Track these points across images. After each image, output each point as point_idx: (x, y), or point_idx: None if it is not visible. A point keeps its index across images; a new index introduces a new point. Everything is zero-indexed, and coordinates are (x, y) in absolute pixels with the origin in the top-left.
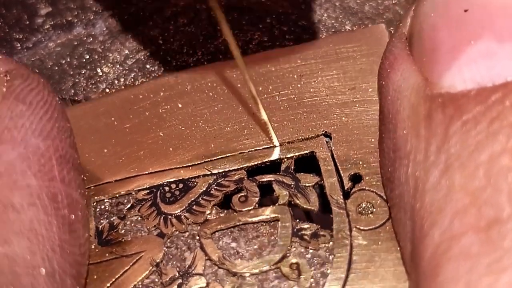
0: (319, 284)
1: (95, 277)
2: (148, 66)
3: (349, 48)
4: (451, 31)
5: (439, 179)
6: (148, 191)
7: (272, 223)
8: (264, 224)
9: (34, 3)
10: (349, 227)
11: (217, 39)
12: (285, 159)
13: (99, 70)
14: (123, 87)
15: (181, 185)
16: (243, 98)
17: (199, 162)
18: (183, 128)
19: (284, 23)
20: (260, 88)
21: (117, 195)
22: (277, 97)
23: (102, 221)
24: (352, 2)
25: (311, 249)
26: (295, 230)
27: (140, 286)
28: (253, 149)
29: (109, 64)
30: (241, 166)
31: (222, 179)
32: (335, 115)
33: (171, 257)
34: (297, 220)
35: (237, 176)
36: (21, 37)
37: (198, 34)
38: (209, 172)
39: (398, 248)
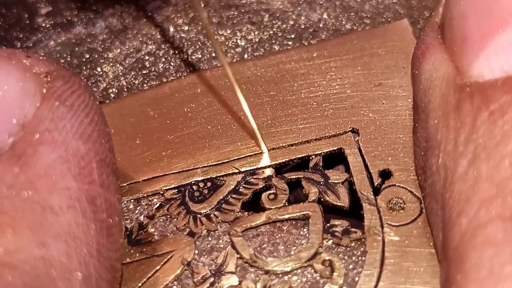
0: (353, 280)
1: (126, 277)
2: (148, 65)
3: (374, 45)
4: (479, 19)
5: (467, 170)
6: (176, 190)
7: (303, 220)
8: (294, 221)
9: (34, 3)
10: (381, 223)
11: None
12: (313, 156)
13: (99, 69)
14: (147, 87)
15: (209, 184)
16: (267, 96)
17: (226, 160)
18: (209, 127)
19: (284, 22)
20: (286, 86)
21: (145, 195)
22: (303, 94)
23: (131, 221)
24: (352, 2)
25: (343, 245)
26: (326, 227)
27: (172, 285)
28: (280, 146)
29: (109, 63)
30: (269, 164)
31: (250, 177)
32: (362, 112)
33: (202, 256)
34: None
35: (265, 174)
36: (21, 36)
37: (198, 33)
38: (237, 170)
39: (431, 244)
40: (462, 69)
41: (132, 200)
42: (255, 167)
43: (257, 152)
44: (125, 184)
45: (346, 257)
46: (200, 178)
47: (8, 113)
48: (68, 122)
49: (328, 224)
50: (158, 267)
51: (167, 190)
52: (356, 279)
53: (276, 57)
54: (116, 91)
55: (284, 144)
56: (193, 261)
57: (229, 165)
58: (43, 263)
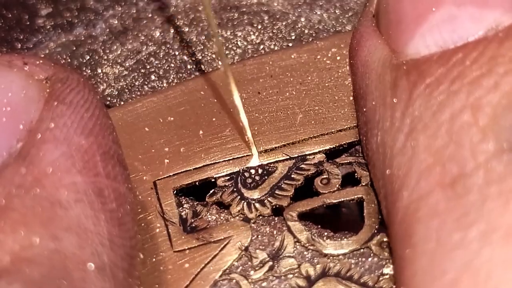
0: None
1: (184, 264)
2: (148, 66)
3: None
4: (414, 2)
5: (405, 143)
6: (229, 177)
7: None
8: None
9: (34, 4)
10: None
11: None
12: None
13: (99, 71)
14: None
15: (260, 170)
16: (312, 83)
17: (276, 146)
18: (256, 115)
19: (284, 23)
20: (329, 73)
21: (198, 183)
22: (347, 81)
23: (184, 209)
24: (353, 3)
25: None
26: (380, 209)
27: (231, 270)
28: (329, 132)
29: (109, 65)
30: (320, 149)
31: (302, 162)
32: None
33: (259, 241)
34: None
35: (316, 159)
36: (21, 37)
37: (199, 34)
38: (287, 157)
39: None
40: (398, 49)
41: (185, 188)
42: (305, 153)
43: (309, 137)
44: (177, 173)
45: None
46: (251, 165)
47: (15, 119)
48: (68, 118)
49: None
50: (215, 253)
51: (219, 177)
52: None
53: (317, 45)
54: (117, 92)
55: (333, 130)
56: (251, 246)
57: (280, 152)
58: (58, 255)
